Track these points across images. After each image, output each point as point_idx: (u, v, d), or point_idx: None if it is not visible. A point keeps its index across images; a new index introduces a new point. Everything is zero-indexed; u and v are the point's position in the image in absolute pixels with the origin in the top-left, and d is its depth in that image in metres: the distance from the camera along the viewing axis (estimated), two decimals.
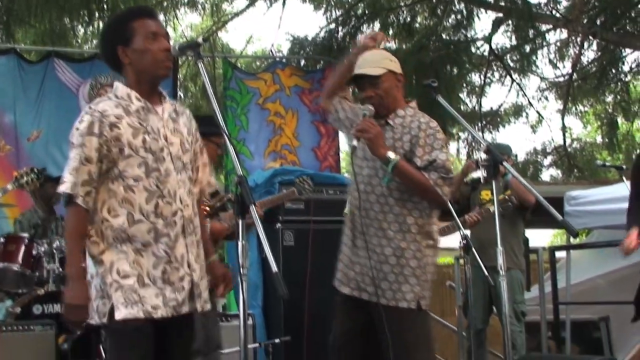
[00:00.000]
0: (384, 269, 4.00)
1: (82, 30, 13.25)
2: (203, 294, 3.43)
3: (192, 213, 3.44)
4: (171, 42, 3.44)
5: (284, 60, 10.77)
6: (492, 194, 4.40)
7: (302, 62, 11.32)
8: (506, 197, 6.43)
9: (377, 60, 4.21)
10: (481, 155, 4.34)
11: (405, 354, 3.92)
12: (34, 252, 5.80)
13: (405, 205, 4.05)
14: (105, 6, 11.18)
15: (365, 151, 4.08)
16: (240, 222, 3.07)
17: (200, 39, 3.41)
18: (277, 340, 6.10)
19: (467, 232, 6.03)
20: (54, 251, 5.80)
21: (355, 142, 3.94)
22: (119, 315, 3.17)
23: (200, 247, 3.49)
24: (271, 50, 13.58)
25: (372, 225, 4.04)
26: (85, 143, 3.24)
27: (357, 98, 4.61)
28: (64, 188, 3.23)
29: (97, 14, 11.38)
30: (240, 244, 3.07)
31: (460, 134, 16.38)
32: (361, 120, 4.02)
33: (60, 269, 5.70)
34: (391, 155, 3.94)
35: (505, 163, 4.04)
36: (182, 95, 15.19)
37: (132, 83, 3.42)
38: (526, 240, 7.41)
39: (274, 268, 2.80)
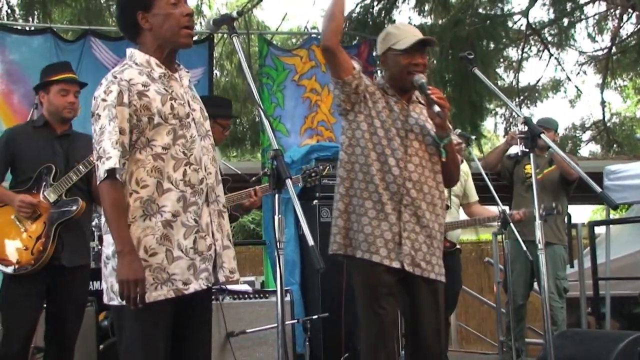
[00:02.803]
0: (434, 244, 3.96)
1: None
2: (225, 265, 3.34)
3: (214, 181, 3.36)
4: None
5: (319, 36, 10.67)
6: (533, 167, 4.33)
7: None
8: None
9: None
10: (519, 128, 4.27)
11: (440, 325, 3.96)
12: None
13: (442, 182, 4.09)
14: None
15: (417, 123, 4.02)
16: (276, 196, 3.06)
17: (234, 13, 3.35)
18: (315, 317, 6.10)
19: (506, 207, 6.00)
20: (93, 229, 5.83)
21: (438, 109, 3.80)
22: (149, 298, 3.08)
23: (223, 217, 3.40)
24: (306, 27, 13.48)
25: (425, 200, 3.94)
26: (117, 114, 3.12)
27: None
28: (111, 163, 3.08)
29: None
30: (276, 218, 3.07)
31: (498, 109, 16.26)
32: (430, 88, 3.87)
33: (100, 247, 5.74)
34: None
35: (543, 136, 3.95)
36: (217, 73, 15.18)
37: (151, 50, 3.33)
38: (569, 216, 7.34)
39: (311, 242, 2.78)
